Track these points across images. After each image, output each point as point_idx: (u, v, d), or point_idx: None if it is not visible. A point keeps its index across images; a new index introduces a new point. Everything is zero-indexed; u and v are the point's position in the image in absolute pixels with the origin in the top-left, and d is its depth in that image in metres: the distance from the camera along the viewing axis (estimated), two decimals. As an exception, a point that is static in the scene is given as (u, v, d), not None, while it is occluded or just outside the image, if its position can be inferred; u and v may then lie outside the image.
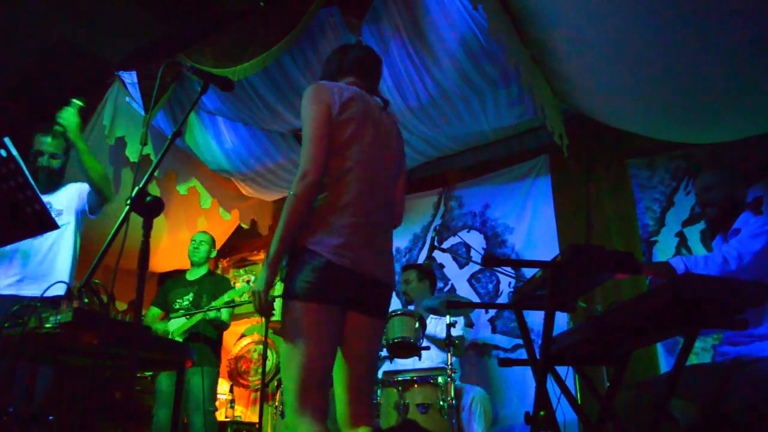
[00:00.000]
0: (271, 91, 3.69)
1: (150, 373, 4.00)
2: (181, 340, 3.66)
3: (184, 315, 3.71)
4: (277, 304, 5.56)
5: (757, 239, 2.06)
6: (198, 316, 3.64)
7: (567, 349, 1.89)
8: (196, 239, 4.07)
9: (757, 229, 2.10)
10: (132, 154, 4.01)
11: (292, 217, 1.59)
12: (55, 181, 2.92)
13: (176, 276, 4.20)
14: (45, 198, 2.86)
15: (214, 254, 4.18)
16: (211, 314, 3.66)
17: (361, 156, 1.73)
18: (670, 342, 3.52)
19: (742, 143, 3.38)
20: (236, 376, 5.22)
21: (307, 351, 1.57)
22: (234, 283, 5.32)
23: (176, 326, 3.69)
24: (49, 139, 2.86)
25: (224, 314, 3.78)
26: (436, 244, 3.52)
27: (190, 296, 3.87)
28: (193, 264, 4.04)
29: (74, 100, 2.85)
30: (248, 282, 4.92)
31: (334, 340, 1.64)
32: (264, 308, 1.61)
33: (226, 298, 3.68)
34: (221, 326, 3.84)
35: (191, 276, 4.03)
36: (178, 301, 3.87)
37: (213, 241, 4.15)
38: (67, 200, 2.91)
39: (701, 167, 3.74)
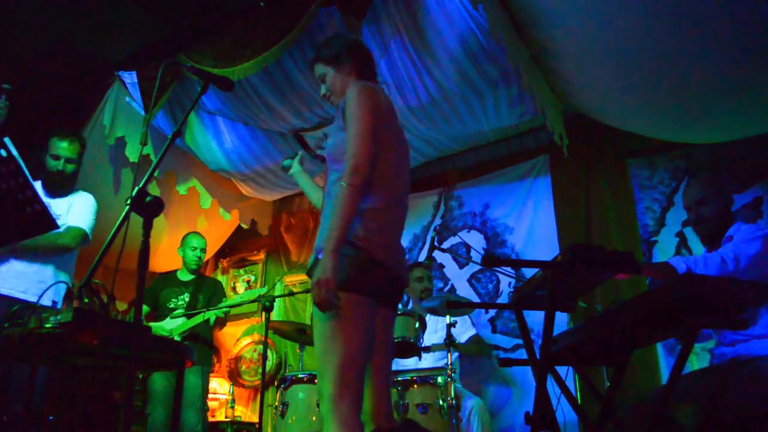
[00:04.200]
0: (271, 91, 3.69)
1: (141, 375, 4.00)
2: (179, 339, 3.67)
3: (183, 315, 3.71)
4: (277, 303, 5.53)
5: (752, 243, 2.09)
6: (199, 318, 3.65)
7: (567, 349, 1.89)
8: (198, 246, 4.04)
9: (752, 233, 2.14)
10: (132, 154, 4.01)
11: (352, 207, 1.60)
12: (67, 185, 2.96)
13: (165, 275, 4.16)
14: (48, 201, 2.89)
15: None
16: (212, 317, 3.66)
17: (396, 162, 1.79)
18: (670, 342, 3.52)
19: (742, 143, 3.38)
20: (236, 376, 5.22)
21: (350, 342, 1.57)
22: (235, 283, 5.34)
23: (175, 326, 3.69)
24: (65, 144, 2.92)
25: (219, 312, 3.78)
26: (436, 244, 3.52)
27: (186, 296, 3.87)
28: (191, 271, 4.02)
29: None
30: (248, 282, 4.93)
31: (371, 333, 1.66)
32: (330, 300, 1.53)
33: (225, 305, 3.69)
34: (219, 324, 3.83)
35: (184, 276, 4.02)
36: (173, 300, 3.86)
37: (206, 245, 4.19)
38: (68, 207, 2.92)
39: (692, 175, 3.75)
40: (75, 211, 2.92)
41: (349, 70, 1.91)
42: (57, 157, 2.90)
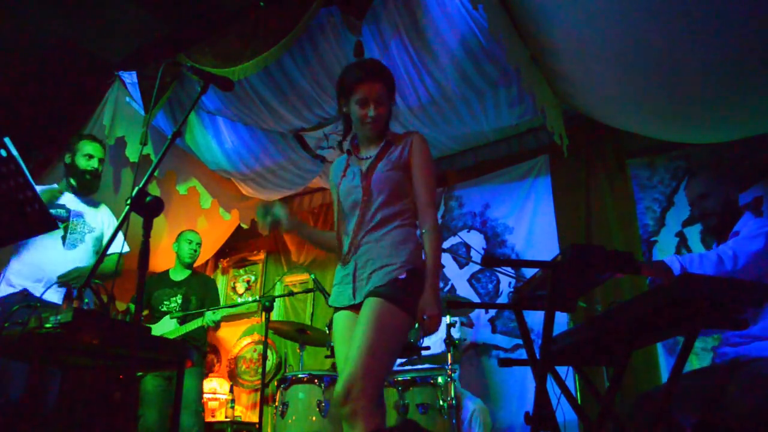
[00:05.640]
0: (271, 91, 3.69)
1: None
2: None
3: (177, 321, 3.70)
4: (277, 303, 5.53)
5: (755, 240, 2.03)
6: (193, 324, 3.64)
7: (567, 349, 1.89)
8: (194, 240, 4.06)
9: (756, 230, 2.08)
10: (132, 154, 4.01)
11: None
12: (96, 184, 3.12)
13: (159, 275, 4.14)
14: (84, 208, 3.04)
15: None
16: (208, 322, 3.66)
17: None
18: (670, 342, 3.52)
19: (742, 143, 3.37)
20: (236, 376, 5.22)
21: (394, 359, 1.79)
22: (234, 283, 5.33)
23: (167, 330, 3.67)
24: (97, 145, 3.10)
25: (217, 315, 3.78)
26: (436, 243, 3.52)
27: (179, 298, 3.85)
28: (185, 265, 4.03)
29: None
30: (248, 282, 4.93)
31: None
32: (439, 325, 1.79)
33: (224, 312, 3.72)
34: (214, 327, 3.87)
35: (176, 276, 4.01)
36: (165, 302, 3.85)
37: (201, 240, 4.23)
38: (100, 221, 3.11)
39: (695, 171, 3.75)
40: (104, 215, 3.15)
41: (390, 112, 2.04)
42: (91, 156, 3.06)
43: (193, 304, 3.82)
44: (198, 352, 3.78)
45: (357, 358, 1.66)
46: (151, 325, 3.73)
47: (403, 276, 1.79)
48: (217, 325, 3.82)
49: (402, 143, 1.98)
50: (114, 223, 3.16)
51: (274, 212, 2.00)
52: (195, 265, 4.22)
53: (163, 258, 5.20)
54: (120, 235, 2.99)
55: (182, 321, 3.70)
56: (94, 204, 3.15)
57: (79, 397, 3.26)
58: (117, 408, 3.91)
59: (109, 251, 2.94)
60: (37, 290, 2.74)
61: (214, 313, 3.70)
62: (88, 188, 3.09)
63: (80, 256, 2.93)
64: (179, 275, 4.00)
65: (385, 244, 1.87)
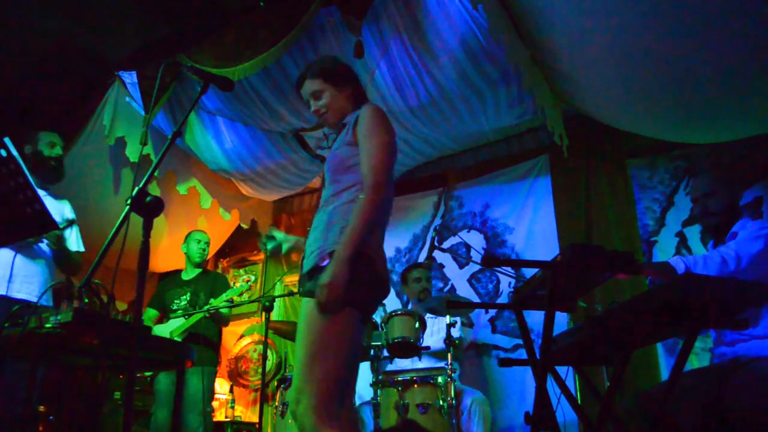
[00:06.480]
0: (271, 91, 3.69)
1: (149, 374, 3.99)
2: (180, 340, 3.66)
3: (183, 315, 3.70)
4: (277, 303, 5.53)
5: (755, 242, 2.07)
6: (197, 316, 3.64)
7: (567, 349, 1.89)
8: (202, 239, 4.06)
9: (756, 231, 2.11)
10: (132, 154, 4.01)
11: (373, 220, 1.66)
12: (61, 172, 3.13)
13: (171, 276, 4.18)
14: (48, 201, 2.97)
15: None
16: (211, 304, 3.66)
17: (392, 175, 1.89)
18: (670, 342, 3.52)
19: (742, 143, 3.38)
20: (236, 376, 5.21)
21: (343, 360, 1.58)
22: (234, 283, 5.31)
23: (174, 326, 3.68)
24: (56, 134, 3.14)
25: (223, 309, 3.77)
26: (436, 244, 3.52)
27: (187, 296, 3.86)
28: (195, 264, 4.03)
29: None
30: (248, 281, 4.93)
31: (358, 349, 1.70)
32: (336, 303, 1.57)
33: (224, 297, 3.68)
34: (221, 320, 3.83)
35: (186, 276, 4.02)
36: (175, 301, 3.85)
37: (210, 240, 4.22)
38: (61, 216, 3.10)
39: (698, 170, 3.75)
40: (73, 234, 3.14)
41: (350, 93, 1.97)
42: (53, 144, 3.08)
43: (201, 300, 3.81)
44: (209, 346, 3.75)
45: (298, 372, 1.59)
46: (161, 326, 3.73)
47: (324, 263, 1.65)
48: (222, 319, 3.81)
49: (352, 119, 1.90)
50: (69, 213, 3.16)
51: (276, 237, 2.07)
52: (198, 264, 4.19)
53: (163, 258, 5.21)
54: (75, 233, 3.06)
55: (189, 316, 3.71)
56: (58, 197, 3.11)
57: (78, 397, 3.27)
58: (117, 408, 3.91)
59: (74, 249, 3.06)
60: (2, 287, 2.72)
61: (215, 299, 3.70)
62: (52, 176, 3.08)
63: (44, 250, 2.90)
64: (189, 275, 4.02)
65: (320, 228, 1.75)
